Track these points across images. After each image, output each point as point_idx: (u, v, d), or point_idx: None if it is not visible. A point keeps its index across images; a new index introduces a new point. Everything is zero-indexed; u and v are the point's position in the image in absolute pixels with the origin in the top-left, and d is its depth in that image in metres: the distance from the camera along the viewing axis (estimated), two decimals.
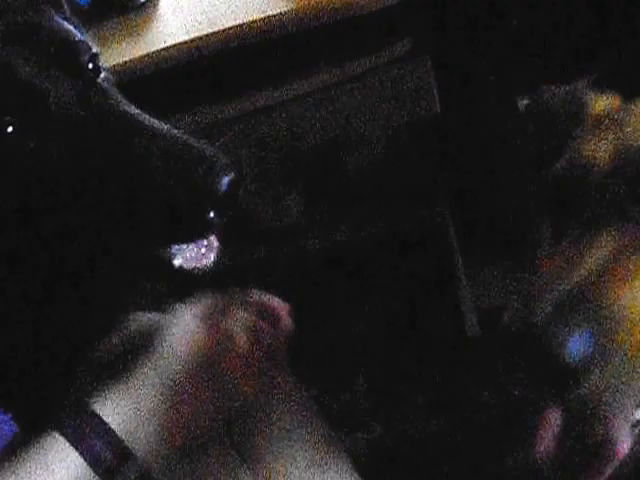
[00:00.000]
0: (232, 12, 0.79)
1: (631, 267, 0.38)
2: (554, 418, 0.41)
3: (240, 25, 0.76)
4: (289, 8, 0.74)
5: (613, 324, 0.36)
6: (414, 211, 0.97)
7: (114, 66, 0.83)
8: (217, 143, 0.49)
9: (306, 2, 0.74)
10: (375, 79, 0.80)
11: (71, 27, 0.53)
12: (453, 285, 1.01)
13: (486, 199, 0.94)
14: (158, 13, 0.91)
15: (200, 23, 0.81)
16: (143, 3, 0.91)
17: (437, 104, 0.82)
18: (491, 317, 1.02)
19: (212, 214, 0.44)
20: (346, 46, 0.79)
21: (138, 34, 0.88)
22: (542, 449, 0.40)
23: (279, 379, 0.56)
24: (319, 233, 1.03)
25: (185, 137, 0.47)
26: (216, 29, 0.78)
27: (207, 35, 0.78)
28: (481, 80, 0.86)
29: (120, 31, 0.90)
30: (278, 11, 0.76)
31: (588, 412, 0.36)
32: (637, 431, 0.40)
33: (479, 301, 1.02)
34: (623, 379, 0.36)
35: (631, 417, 0.40)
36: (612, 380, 0.36)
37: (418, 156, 0.92)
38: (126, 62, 0.83)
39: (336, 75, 0.79)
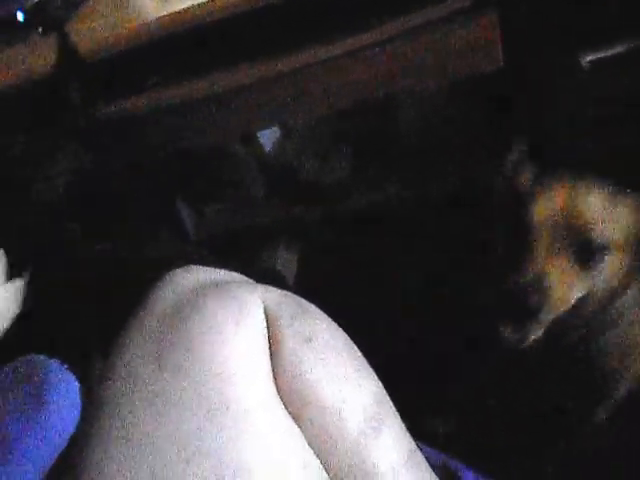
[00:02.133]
0: None
1: None
2: None
3: None
4: None
5: None
6: (465, 170, 0.95)
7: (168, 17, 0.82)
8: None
9: None
10: (438, 32, 0.77)
11: None
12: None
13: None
14: None
15: None
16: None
17: (500, 58, 0.78)
18: None
19: None
20: None
21: None
22: None
23: None
24: (366, 190, 1.02)
25: None
26: None
27: None
28: (545, 35, 0.82)
29: None
30: None
31: None
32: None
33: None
34: None
35: None
36: None
37: (474, 113, 0.89)
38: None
39: (396, 28, 0.76)
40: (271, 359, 0.40)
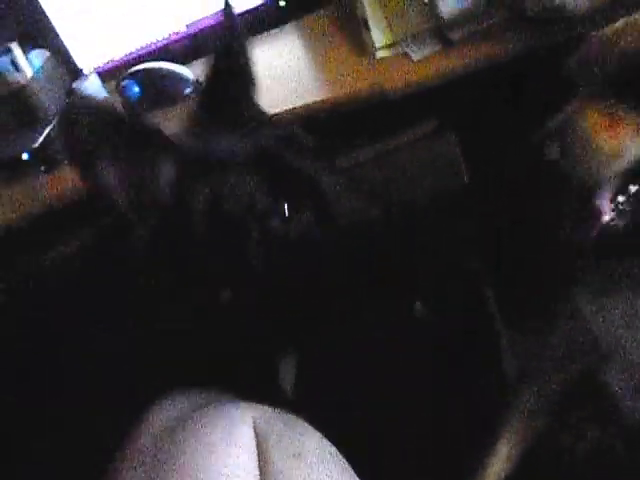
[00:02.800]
0: (277, 99, 0.87)
1: None
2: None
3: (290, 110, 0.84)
4: (333, 95, 0.82)
5: None
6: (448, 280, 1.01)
7: None
8: None
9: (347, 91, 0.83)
10: (406, 154, 0.88)
11: None
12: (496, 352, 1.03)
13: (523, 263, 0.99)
14: None
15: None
16: (188, 94, 1.00)
17: (464, 176, 0.89)
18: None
19: None
20: (380, 126, 0.87)
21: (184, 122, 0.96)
22: None
23: None
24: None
25: None
26: None
27: None
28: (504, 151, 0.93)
29: (167, 119, 0.98)
30: (320, 99, 0.84)
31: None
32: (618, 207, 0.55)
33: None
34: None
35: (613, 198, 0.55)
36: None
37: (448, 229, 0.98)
38: None
39: (372, 151, 0.87)
40: (261, 475, 0.41)
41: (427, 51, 0.88)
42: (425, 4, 0.90)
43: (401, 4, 0.92)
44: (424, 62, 0.86)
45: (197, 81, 1.01)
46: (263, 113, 0.65)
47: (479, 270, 1.03)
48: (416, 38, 0.90)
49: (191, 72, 1.04)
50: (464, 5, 0.87)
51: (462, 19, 0.87)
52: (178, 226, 0.49)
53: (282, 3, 1.06)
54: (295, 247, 0.50)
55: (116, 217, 0.50)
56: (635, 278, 0.58)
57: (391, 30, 0.92)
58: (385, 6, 0.93)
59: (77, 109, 0.47)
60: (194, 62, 1.10)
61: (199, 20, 1.08)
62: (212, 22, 1.08)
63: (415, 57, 0.87)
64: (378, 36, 0.92)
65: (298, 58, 1.00)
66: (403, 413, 0.98)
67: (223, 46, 0.62)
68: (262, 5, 1.07)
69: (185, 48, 1.08)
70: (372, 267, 0.53)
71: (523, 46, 0.82)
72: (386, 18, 0.92)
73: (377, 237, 0.53)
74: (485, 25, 0.86)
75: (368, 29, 0.92)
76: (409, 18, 0.92)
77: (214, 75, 0.62)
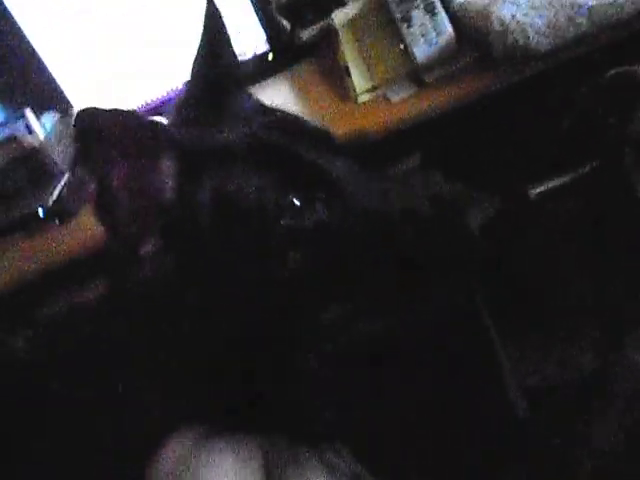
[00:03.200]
0: None
1: None
2: None
3: None
4: None
5: None
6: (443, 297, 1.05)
7: None
8: None
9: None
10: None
11: None
12: (495, 369, 1.05)
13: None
14: None
15: None
16: None
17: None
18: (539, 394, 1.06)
19: None
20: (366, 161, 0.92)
21: None
22: None
23: None
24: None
25: None
26: None
27: None
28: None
29: None
30: None
31: None
32: None
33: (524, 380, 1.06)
34: None
35: None
36: None
37: None
38: None
39: None
40: None
41: (404, 93, 0.94)
42: (401, 49, 0.97)
43: (379, 51, 0.99)
44: (402, 103, 0.93)
45: None
46: (257, 102, 0.61)
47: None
48: (394, 81, 0.97)
49: None
50: (436, 49, 0.93)
51: (435, 62, 0.93)
52: (185, 227, 0.46)
53: (270, 56, 1.14)
54: (313, 239, 0.47)
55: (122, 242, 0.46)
56: None
57: (371, 75, 0.98)
58: (365, 53, 1.00)
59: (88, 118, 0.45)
60: None
61: None
62: None
63: (393, 99, 0.94)
64: (359, 82, 0.98)
65: (287, 106, 1.07)
66: (403, 428, 1.01)
67: (207, 38, 0.60)
68: (251, 59, 1.15)
69: None
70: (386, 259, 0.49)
71: (492, 84, 0.88)
72: (366, 65, 0.99)
73: (390, 231, 0.49)
74: (456, 67, 0.93)
75: (349, 76, 0.99)
76: (387, 63, 0.98)
77: (200, 68, 0.60)
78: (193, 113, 0.58)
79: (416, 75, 0.95)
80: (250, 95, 0.62)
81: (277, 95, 1.12)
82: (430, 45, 0.93)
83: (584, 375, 1.09)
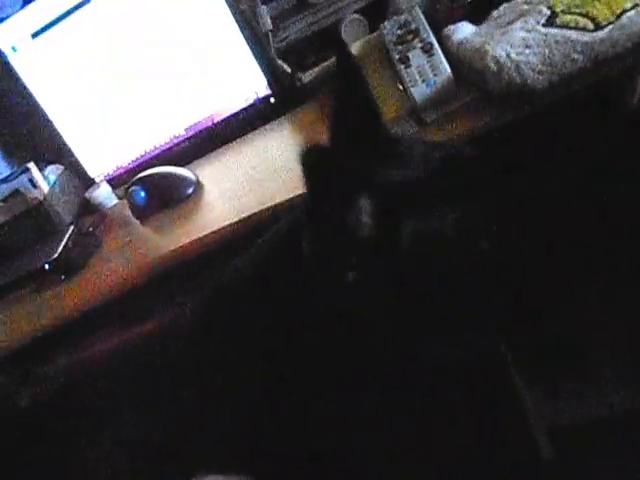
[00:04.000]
0: (274, 190, 0.93)
1: None
2: None
3: (288, 199, 0.88)
4: None
5: None
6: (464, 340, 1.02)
7: (171, 251, 0.97)
8: None
9: None
10: None
11: None
12: (519, 411, 1.02)
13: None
14: (204, 201, 1.07)
15: (242, 207, 0.95)
16: (190, 194, 1.07)
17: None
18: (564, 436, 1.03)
19: None
20: None
21: (189, 220, 1.03)
22: None
23: None
24: None
25: None
26: (264, 207, 0.91)
27: (254, 214, 0.91)
28: None
29: (173, 220, 1.05)
30: None
31: None
32: None
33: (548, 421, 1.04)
34: None
35: None
36: None
37: None
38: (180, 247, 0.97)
39: None
40: None
41: (405, 133, 0.94)
42: (400, 90, 0.98)
43: (380, 91, 1.00)
44: None
45: (198, 181, 1.09)
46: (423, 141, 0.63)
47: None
48: (395, 122, 0.97)
49: (192, 172, 1.12)
50: (435, 89, 0.94)
51: (434, 102, 0.94)
52: (381, 267, 0.47)
53: (272, 100, 1.14)
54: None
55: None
56: None
57: None
58: None
59: None
60: (194, 162, 1.19)
61: (196, 123, 1.17)
62: (208, 124, 1.17)
63: None
64: None
65: (291, 150, 1.07)
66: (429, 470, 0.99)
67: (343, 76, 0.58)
68: (255, 103, 1.16)
69: (185, 150, 1.17)
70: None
71: (492, 122, 0.88)
72: None
73: None
74: (455, 106, 0.93)
75: None
76: (388, 104, 0.99)
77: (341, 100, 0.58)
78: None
79: (416, 115, 0.95)
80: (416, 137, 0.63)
81: (280, 139, 1.12)
82: (428, 86, 0.94)
83: (616, 414, 1.06)
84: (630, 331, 1.07)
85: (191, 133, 1.17)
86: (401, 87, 0.97)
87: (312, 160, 0.45)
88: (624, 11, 0.83)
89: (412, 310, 0.50)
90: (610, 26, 0.82)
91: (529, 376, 1.02)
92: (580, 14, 0.86)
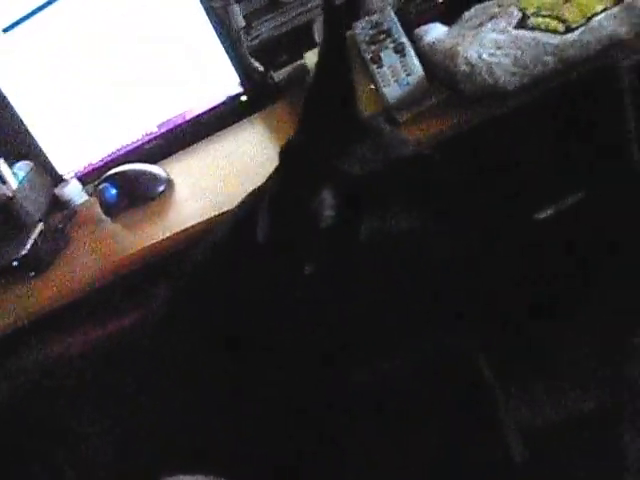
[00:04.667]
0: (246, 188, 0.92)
1: None
2: None
3: None
4: None
5: None
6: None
7: (141, 249, 0.96)
8: None
9: None
10: None
11: None
12: (493, 413, 1.03)
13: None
14: (175, 199, 1.06)
15: (213, 205, 0.94)
16: (162, 192, 1.06)
17: None
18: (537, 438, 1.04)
19: None
20: None
21: (160, 218, 1.02)
22: None
23: None
24: None
25: None
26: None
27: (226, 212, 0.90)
28: None
29: (143, 217, 1.04)
30: None
31: None
32: None
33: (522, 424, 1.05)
34: None
35: None
36: None
37: None
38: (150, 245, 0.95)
39: None
40: None
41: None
42: (373, 89, 0.98)
43: None
44: None
45: (169, 179, 1.08)
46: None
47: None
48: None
49: (163, 170, 1.11)
50: (407, 89, 0.94)
51: (407, 102, 0.94)
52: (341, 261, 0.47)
53: (244, 98, 1.14)
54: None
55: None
56: None
57: None
58: None
59: None
60: (166, 160, 1.18)
61: (169, 120, 1.16)
62: (181, 121, 1.16)
63: None
64: None
65: (262, 148, 1.07)
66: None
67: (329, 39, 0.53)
68: (227, 101, 1.15)
69: (157, 147, 1.16)
70: None
71: (465, 122, 0.89)
72: None
73: None
74: (427, 105, 0.93)
75: None
76: (360, 103, 0.99)
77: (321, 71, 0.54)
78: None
79: (388, 114, 0.96)
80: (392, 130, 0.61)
81: (251, 137, 1.12)
82: (401, 85, 0.94)
83: (585, 414, 1.08)
84: (597, 334, 1.09)
85: (163, 130, 1.16)
86: (373, 87, 0.97)
87: (289, 149, 0.44)
88: (594, 14, 0.84)
89: (370, 307, 0.50)
90: (581, 29, 0.84)
91: (502, 378, 1.04)
92: (551, 17, 0.87)
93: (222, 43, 1.12)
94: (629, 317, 0.69)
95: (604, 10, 0.84)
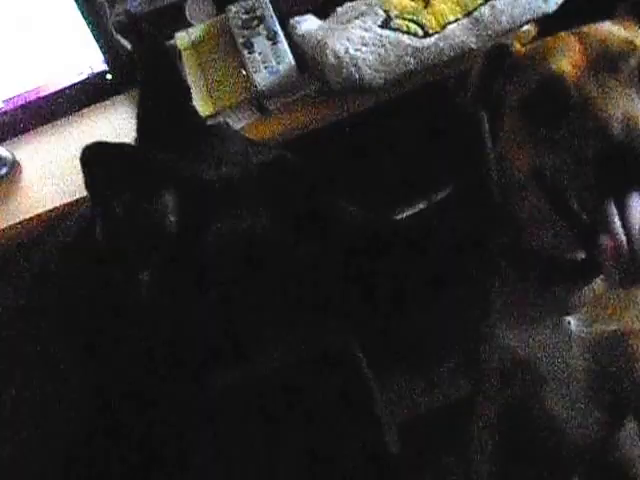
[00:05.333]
0: None
1: None
2: None
3: None
4: None
5: None
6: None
7: None
8: None
9: None
10: None
11: None
12: (368, 403, 1.05)
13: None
14: (20, 183, 0.95)
15: (65, 191, 0.86)
16: (3, 175, 0.95)
17: None
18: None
19: None
20: None
21: (2, 204, 0.91)
22: None
23: None
24: None
25: None
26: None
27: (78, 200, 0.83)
28: None
29: None
30: None
31: None
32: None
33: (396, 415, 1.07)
34: None
35: None
36: None
37: None
38: None
39: None
40: None
41: (246, 120, 0.91)
42: (243, 76, 0.95)
43: (222, 76, 0.96)
44: (244, 131, 0.90)
45: (14, 161, 0.97)
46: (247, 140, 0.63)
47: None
48: (236, 108, 0.94)
49: (8, 151, 0.99)
50: (277, 77, 0.92)
51: (277, 90, 0.92)
52: (186, 263, 0.47)
53: (109, 77, 1.05)
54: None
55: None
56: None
57: (212, 101, 0.95)
58: (207, 77, 0.96)
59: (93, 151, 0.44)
60: (13, 139, 1.06)
61: (18, 96, 1.04)
62: (32, 98, 1.04)
63: (235, 126, 0.91)
64: (200, 106, 0.94)
65: (125, 131, 0.99)
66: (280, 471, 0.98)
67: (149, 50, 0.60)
68: (89, 78, 1.06)
69: (3, 125, 1.03)
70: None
71: (333, 115, 0.89)
72: (208, 89, 0.96)
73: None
74: (299, 96, 0.92)
75: None
76: (229, 89, 0.96)
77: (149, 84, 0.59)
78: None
79: (258, 102, 0.93)
80: (236, 132, 0.64)
81: (113, 118, 1.04)
82: (271, 73, 0.92)
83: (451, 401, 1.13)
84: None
85: (11, 106, 1.03)
86: (244, 72, 0.95)
87: (92, 156, 0.44)
88: (448, 23, 0.88)
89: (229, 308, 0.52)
90: (436, 35, 0.87)
91: (378, 373, 1.06)
92: (411, 20, 0.90)
93: (84, 16, 1.02)
94: (479, 307, 0.73)
95: (456, 20, 0.88)
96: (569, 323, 0.62)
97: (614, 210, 0.47)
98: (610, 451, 0.81)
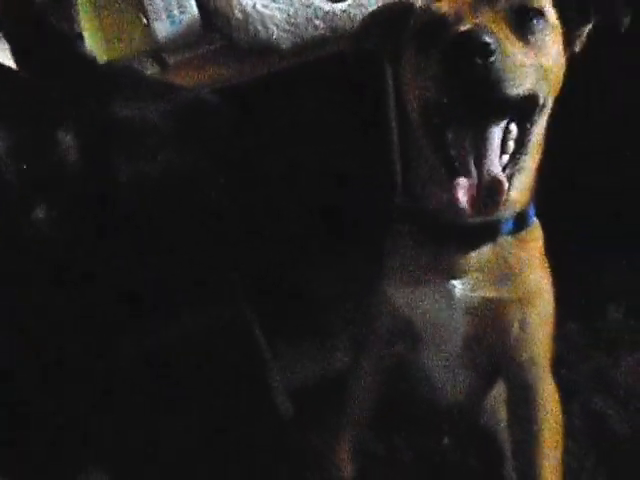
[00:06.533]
0: None
1: None
2: None
3: None
4: None
5: None
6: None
7: None
8: None
9: None
10: None
11: None
12: (262, 370, 1.03)
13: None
14: None
15: None
16: None
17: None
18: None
19: None
20: None
21: None
22: None
23: None
24: None
25: None
26: None
27: None
28: None
29: None
30: None
31: None
32: None
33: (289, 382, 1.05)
34: None
35: None
36: None
37: None
38: None
39: None
40: None
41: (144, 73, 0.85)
42: (144, 25, 0.88)
43: (120, 23, 0.88)
44: None
45: None
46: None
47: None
48: (134, 59, 0.87)
49: None
50: (179, 29, 0.86)
51: (178, 42, 0.86)
52: (96, 200, 0.45)
53: None
54: None
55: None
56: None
57: (108, 49, 0.87)
58: (103, 23, 0.88)
59: None
60: None
61: None
62: None
63: None
64: (95, 53, 0.86)
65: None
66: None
67: None
68: None
69: None
70: None
71: (236, 75, 0.84)
72: (104, 36, 0.88)
73: None
74: (202, 52, 0.86)
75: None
76: (127, 38, 0.88)
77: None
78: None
79: (158, 55, 0.87)
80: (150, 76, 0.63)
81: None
82: (173, 23, 0.85)
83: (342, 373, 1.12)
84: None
85: None
86: (145, 20, 0.87)
87: None
88: None
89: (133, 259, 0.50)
90: (349, 1, 0.84)
91: (271, 337, 1.04)
92: None
93: None
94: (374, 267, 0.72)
95: None
96: (454, 287, 0.62)
97: (469, 147, 0.50)
98: (479, 414, 0.84)
